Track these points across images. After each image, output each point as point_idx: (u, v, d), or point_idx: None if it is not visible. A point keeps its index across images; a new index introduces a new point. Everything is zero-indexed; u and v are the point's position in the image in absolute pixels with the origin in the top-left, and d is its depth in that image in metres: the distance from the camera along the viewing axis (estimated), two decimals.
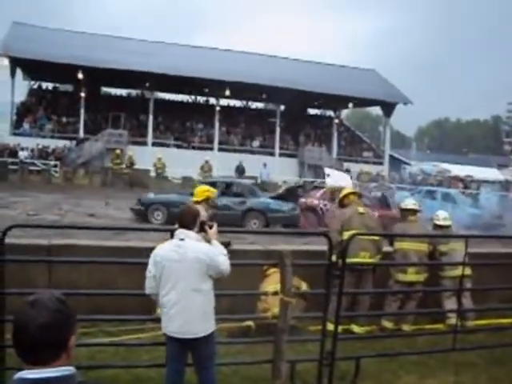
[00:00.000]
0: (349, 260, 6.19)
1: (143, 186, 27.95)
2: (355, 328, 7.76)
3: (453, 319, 7.58)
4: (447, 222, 8.96)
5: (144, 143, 39.31)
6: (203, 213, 7.68)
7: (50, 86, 46.64)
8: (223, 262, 4.70)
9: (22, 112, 40.76)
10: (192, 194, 8.22)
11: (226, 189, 17.90)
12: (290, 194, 17.97)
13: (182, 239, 4.71)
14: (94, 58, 35.92)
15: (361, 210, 8.21)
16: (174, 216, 16.99)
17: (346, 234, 7.09)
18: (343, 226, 7.89)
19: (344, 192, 8.67)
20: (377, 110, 55.85)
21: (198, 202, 7.84)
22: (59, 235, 10.46)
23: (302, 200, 17.93)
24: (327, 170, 16.89)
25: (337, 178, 14.90)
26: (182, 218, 4.88)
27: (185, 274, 4.61)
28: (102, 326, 6.71)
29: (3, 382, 5.25)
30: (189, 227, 4.80)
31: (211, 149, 40.20)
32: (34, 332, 1.80)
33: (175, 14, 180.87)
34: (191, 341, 4.68)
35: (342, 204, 8.59)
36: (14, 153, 32.38)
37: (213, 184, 17.92)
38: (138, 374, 5.67)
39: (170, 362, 4.91)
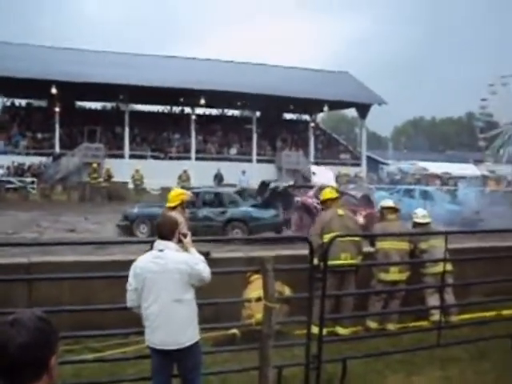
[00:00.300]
0: (330, 262, 6.21)
1: (122, 199, 27.83)
2: (340, 330, 7.77)
3: (436, 315, 7.64)
4: (426, 220, 9.04)
5: (121, 156, 39.09)
6: (181, 220, 7.68)
7: (24, 102, 46.23)
8: (204, 269, 4.69)
9: None
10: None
11: (207, 199, 17.73)
12: (276, 196, 17.59)
13: (161, 250, 4.69)
14: (68, 72, 35.66)
15: (340, 212, 8.25)
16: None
17: (327, 237, 7.11)
18: (324, 228, 7.92)
19: (323, 196, 8.69)
20: (352, 112, 56.23)
21: (172, 208, 7.83)
22: (39, 252, 10.36)
23: (297, 199, 17.74)
24: (313, 168, 16.87)
25: (322, 176, 14.90)
26: (161, 229, 4.85)
27: (166, 285, 4.59)
28: (86, 343, 6.66)
29: None
30: (168, 238, 4.77)
31: (188, 158, 40.09)
32: (14, 352, 1.75)
33: (149, 25, 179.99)
34: (176, 352, 4.66)
35: (324, 206, 8.65)
36: None
37: (195, 195, 17.91)
38: None
39: (156, 375, 4.88)
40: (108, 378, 5.84)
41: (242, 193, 18.79)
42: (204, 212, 16.82)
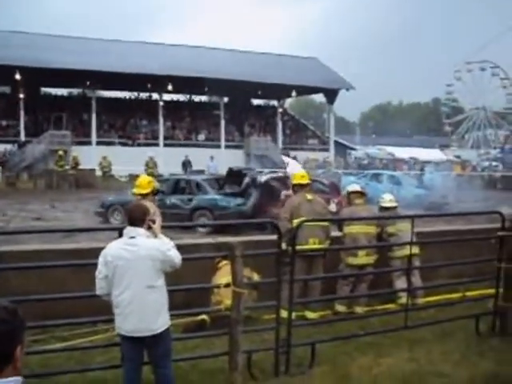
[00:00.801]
0: (298, 247, 6.25)
1: (90, 186, 27.57)
2: (309, 314, 7.83)
3: (404, 298, 7.75)
4: (393, 204, 9.14)
5: (88, 143, 38.67)
6: (154, 208, 7.64)
7: None
8: (176, 255, 4.69)
9: None
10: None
11: (174, 186, 17.63)
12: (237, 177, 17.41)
13: (132, 237, 4.67)
14: (33, 58, 35.05)
15: (309, 196, 8.26)
16: None
17: (295, 222, 7.14)
18: (292, 213, 7.94)
19: (294, 180, 8.67)
20: (320, 98, 56.42)
21: (143, 195, 7.78)
22: (5, 242, 10.22)
23: (284, 192, 17.69)
24: (286, 159, 16.84)
25: (294, 166, 14.96)
26: (131, 216, 4.82)
27: (139, 271, 4.57)
28: (53, 332, 6.60)
29: None
30: (138, 225, 4.74)
31: (157, 144, 39.86)
32: None
33: (122, 12, 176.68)
34: (148, 338, 4.65)
35: (293, 191, 8.65)
36: None
37: (165, 182, 17.88)
38: (93, 376, 5.60)
39: (127, 362, 4.87)
40: (77, 367, 5.81)
41: (218, 180, 18.64)
42: (172, 199, 16.72)
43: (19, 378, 1.80)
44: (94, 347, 6.21)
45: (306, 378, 5.78)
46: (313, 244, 7.77)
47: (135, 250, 4.60)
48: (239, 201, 16.62)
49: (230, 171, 18.12)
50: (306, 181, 8.50)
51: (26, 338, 1.87)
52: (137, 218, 4.77)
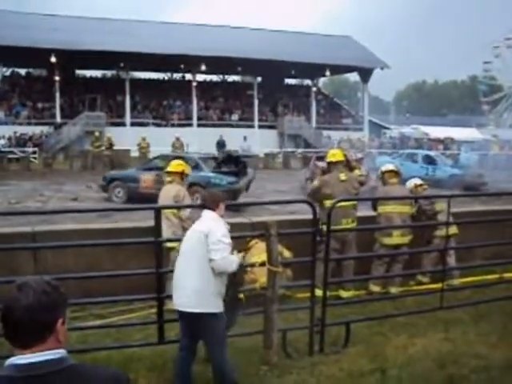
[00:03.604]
0: (332, 227, 6.22)
1: (124, 167, 27.77)
2: (343, 293, 7.83)
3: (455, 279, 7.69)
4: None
5: (122, 124, 38.99)
6: (182, 192, 7.69)
7: (23, 71, 45.93)
8: (217, 254, 4.73)
9: None
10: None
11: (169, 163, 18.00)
12: (231, 161, 18.27)
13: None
14: (67, 41, 35.35)
15: (342, 177, 8.19)
16: (130, 192, 17.29)
17: (328, 202, 7.10)
18: (324, 191, 7.92)
19: (327, 158, 8.58)
20: (354, 77, 55.91)
21: (169, 172, 7.88)
22: (43, 222, 10.41)
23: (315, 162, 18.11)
24: None
25: None
26: (205, 200, 5.10)
27: (190, 247, 4.83)
28: (91, 309, 6.72)
29: None
30: (210, 207, 5.00)
31: (190, 125, 39.99)
32: (19, 314, 1.80)
33: None
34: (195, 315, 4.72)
35: (327, 169, 8.59)
36: None
37: (165, 157, 18.29)
38: (130, 353, 5.68)
39: (181, 337, 5.01)
40: (114, 344, 5.91)
41: (215, 159, 19.21)
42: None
43: (62, 351, 1.86)
44: (131, 325, 6.32)
45: (340, 358, 5.78)
46: (346, 224, 7.73)
47: (194, 229, 4.98)
48: (231, 179, 17.20)
49: (229, 156, 18.74)
50: (337, 158, 8.41)
51: (67, 314, 1.92)
52: (208, 201, 5.05)
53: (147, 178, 17.29)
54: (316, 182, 8.29)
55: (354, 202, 8.03)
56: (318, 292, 6.03)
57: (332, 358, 5.79)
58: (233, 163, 18.26)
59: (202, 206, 5.07)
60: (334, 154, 8.49)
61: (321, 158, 20.82)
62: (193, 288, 4.65)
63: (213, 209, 4.94)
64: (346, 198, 7.58)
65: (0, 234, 6.58)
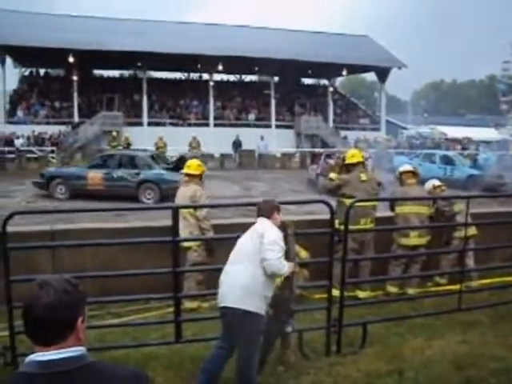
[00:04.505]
0: (350, 227, 6.19)
1: None
2: (360, 293, 7.81)
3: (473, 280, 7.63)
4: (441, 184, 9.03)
5: (139, 123, 39.12)
6: (200, 192, 7.70)
7: (42, 71, 46.29)
8: (271, 259, 4.73)
9: (15, 100, 40.50)
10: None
11: (122, 161, 18.61)
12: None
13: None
14: (85, 41, 35.57)
15: (363, 177, 8.15)
16: (74, 190, 17.67)
17: (347, 202, 7.07)
18: (345, 190, 7.91)
19: (347, 160, 8.52)
20: (371, 76, 55.54)
21: (191, 175, 7.88)
22: (61, 221, 10.48)
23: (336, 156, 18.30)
24: None
25: None
26: (260, 209, 5.09)
27: (240, 245, 4.88)
28: (108, 308, 6.76)
29: (16, 369, 5.30)
30: (266, 216, 5.01)
31: (207, 125, 40.04)
32: (39, 311, 1.83)
33: None
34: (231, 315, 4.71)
35: (346, 169, 8.53)
36: (9, 141, 32.16)
37: (110, 157, 18.97)
38: (147, 352, 5.71)
39: (221, 333, 5.02)
40: (132, 342, 5.94)
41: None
42: (119, 173, 17.92)
43: (82, 348, 1.90)
44: (148, 323, 6.34)
45: (357, 358, 5.76)
46: (364, 224, 7.71)
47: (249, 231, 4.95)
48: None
49: (182, 158, 19.13)
50: (356, 159, 8.38)
51: (86, 312, 1.96)
52: (265, 210, 5.06)
53: (95, 176, 17.91)
54: (335, 180, 8.24)
55: (374, 203, 8.00)
56: (335, 292, 6.01)
57: (349, 359, 5.77)
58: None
59: (257, 215, 5.05)
60: (354, 155, 8.45)
61: (329, 156, 21.21)
62: (240, 285, 4.63)
63: (267, 217, 4.96)
64: (365, 199, 7.55)
65: (19, 232, 6.63)
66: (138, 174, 17.91)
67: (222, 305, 4.73)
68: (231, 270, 4.76)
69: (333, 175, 8.44)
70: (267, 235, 4.70)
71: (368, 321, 6.18)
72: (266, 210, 5.01)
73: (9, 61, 41.18)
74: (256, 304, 4.65)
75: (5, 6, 42.59)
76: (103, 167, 18.23)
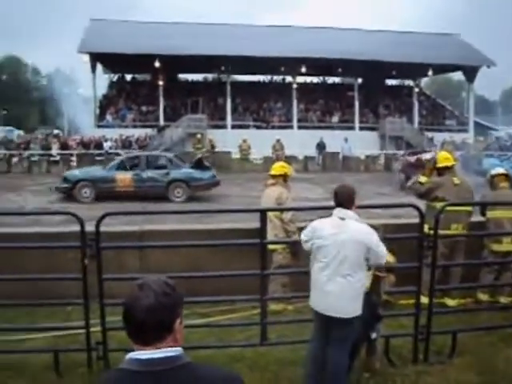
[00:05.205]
0: (441, 232, 6.00)
1: (225, 169, 28.31)
2: (448, 301, 7.56)
3: None
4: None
5: (223, 126, 39.68)
6: (285, 194, 7.69)
7: (129, 76, 47.78)
8: (383, 250, 4.66)
9: (104, 104, 42.02)
10: None
11: (149, 162, 19.17)
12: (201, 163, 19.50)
13: (342, 218, 4.66)
14: (170, 46, 36.48)
15: (456, 181, 7.90)
16: (101, 192, 17.89)
17: (438, 205, 6.86)
18: (436, 194, 7.68)
19: (439, 163, 8.27)
20: (459, 76, 53.98)
21: (272, 176, 7.89)
22: (147, 221, 10.74)
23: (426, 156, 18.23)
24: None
25: None
26: (338, 197, 4.78)
27: (342, 256, 4.56)
28: (194, 308, 6.85)
29: (107, 363, 5.47)
30: (346, 206, 4.72)
31: (290, 127, 40.12)
32: (140, 313, 1.89)
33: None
34: (334, 319, 4.64)
35: (438, 172, 8.28)
36: (99, 144, 33.40)
37: (135, 158, 19.47)
38: (232, 353, 5.74)
39: (315, 336, 4.94)
40: (217, 343, 5.99)
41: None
42: (148, 173, 18.45)
43: (180, 349, 1.97)
44: (234, 325, 6.38)
45: (446, 368, 5.58)
46: (455, 230, 7.46)
47: (344, 232, 4.59)
48: (211, 173, 19.28)
49: (200, 160, 19.99)
50: (450, 163, 8.13)
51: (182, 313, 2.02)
52: (345, 199, 4.75)
53: (124, 178, 18.35)
54: (429, 185, 8.00)
55: (468, 208, 7.72)
56: (424, 299, 5.84)
57: (437, 368, 5.60)
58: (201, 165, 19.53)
59: (336, 202, 4.78)
60: (447, 158, 8.19)
61: (413, 154, 21.17)
62: (348, 297, 4.57)
63: (349, 207, 4.72)
64: (456, 203, 7.30)
65: (109, 232, 6.82)
66: (167, 173, 18.52)
67: (327, 314, 4.65)
68: (329, 278, 4.61)
69: (423, 179, 8.19)
70: (370, 237, 4.58)
71: (458, 329, 5.96)
72: (347, 198, 4.74)
73: (99, 67, 42.74)
74: (358, 307, 4.66)
75: (95, 15, 44.24)
76: (130, 169, 18.75)
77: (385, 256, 4.65)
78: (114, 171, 18.66)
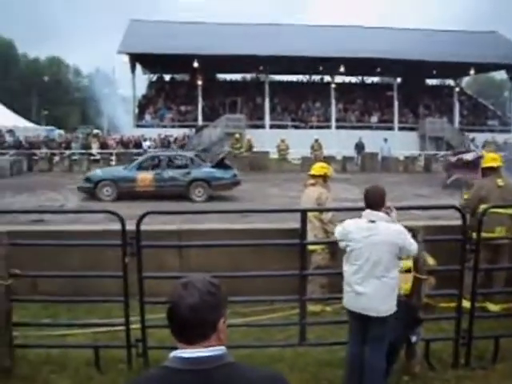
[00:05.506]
0: (484, 235, 5.88)
1: (263, 169, 28.33)
2: (491, 306, 7.41)
3: None
4: None
5: (262, 126, 39.72)
6: (325, 195, 7.64)
7: (168, 77, 48.20)
8: (412, 243, 4.65)
9: (144, 104, 42.50)
10: None
11: (170, 162, 19.14)
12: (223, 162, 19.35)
13: (372, 221, 4.64)
14: (209, 46, 36.67)
15: (500, 182, 7.72)
16: (122, 191, 17.93)
17: (482, 208, 6.73)
18: (480, 198, 7.52)
19: (485, 163, 8.12)
20: (501, 75, 52.95)
21: (312, 176, 7.85)
22: (185, 221, 10.80)
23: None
24: None
25: None
26: (369, 198, 4.76)
27: (374, 257, 4.56)
28: (233, 308, 6.85)
29: (146, 360, 5.53)
30: (376, 208, 4.70)
31: (329, 127, 39.95)
32: (184, 312, 1.90)
33: None
34: (372, 318, 4.64)
35: (483, 173, 8.12)
36: (138, 144, 33.82)
37: (156, 158, 19.46)
38: (271, 353, 5.74)
39: (352, 336, 4.93)
40: (255, 343, 5.99)
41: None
42: (170, 173, 18.44)
43: (223, 348, 1.95)
44: (273, 325, 6.37)
45: (488, 374, 5.47)
46: (499, 233, 7.30)
47: (375, 234, 4.58)
48: (232, 172, 19.09)
49: (222, 159, 19.78)
50: (496, 163, 7.95)
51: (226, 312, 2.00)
52: (375, 201, 4.73)
53: (145, 177, 18.36)
54: (474, 196, 7.83)
55: None
56: (465, 303, 5.74)
57: (479, 374, 5.49)
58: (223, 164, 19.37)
59: (366, 206, 4.75)
60: (495, 159, 8.00)
61: (458, 153, 20.98)
62: (382, 296, 4.58)
63: (379, 209, 4.68)
64: (500, 205, 7.15)
65: (150, 231, 6.88)
66: (188, 173, 18.50)
67: (363, 313, 4.65)
68: (363, 279, 4.61)
69: (466, 195, 8.03)
70: (403, 237, 4.57)
71: (501, 335, 5.84)
72: (379, 199, 4.71)
73: (138, 67, 43.25)
74: (393, 305, 4.66)
75: (133, 16, 44.77)
76: (152, 168, 18.83)
77: (413, 245, 4.62)
78: (136, 171, 18.76)
